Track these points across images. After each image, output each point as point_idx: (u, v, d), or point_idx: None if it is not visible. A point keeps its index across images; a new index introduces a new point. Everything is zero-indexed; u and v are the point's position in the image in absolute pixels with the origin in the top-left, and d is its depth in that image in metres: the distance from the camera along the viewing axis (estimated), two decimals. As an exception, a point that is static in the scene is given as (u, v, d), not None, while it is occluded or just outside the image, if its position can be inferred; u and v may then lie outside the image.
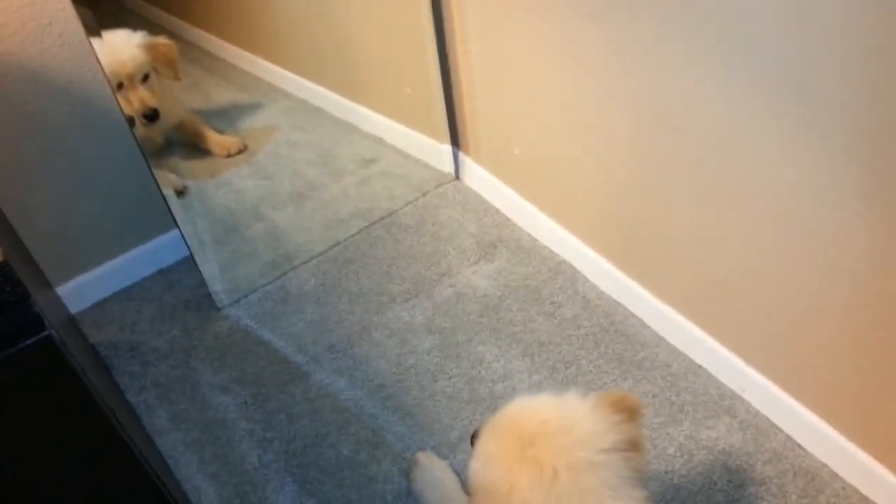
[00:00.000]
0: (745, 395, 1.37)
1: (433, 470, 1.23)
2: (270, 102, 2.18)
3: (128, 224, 1.63)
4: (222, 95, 2.22)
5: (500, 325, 1.51)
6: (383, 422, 1.37)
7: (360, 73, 1.93)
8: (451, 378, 1.43)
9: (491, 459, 0.86)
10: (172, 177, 1.81)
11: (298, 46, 2.07)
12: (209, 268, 1.63)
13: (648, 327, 1.49)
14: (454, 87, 1.69)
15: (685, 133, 1.19)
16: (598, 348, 1.46)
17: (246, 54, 2.22)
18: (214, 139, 1.98)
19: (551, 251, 1.65)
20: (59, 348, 0.52)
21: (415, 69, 1.71)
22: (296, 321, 1.56)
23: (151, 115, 1.71)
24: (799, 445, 1.29)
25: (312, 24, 1.96)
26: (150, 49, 1.73)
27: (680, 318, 1.43)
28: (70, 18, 1.32)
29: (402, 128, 1.90)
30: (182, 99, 2.01)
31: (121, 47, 1.65)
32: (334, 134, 2.05)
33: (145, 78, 1.71)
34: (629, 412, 0.88)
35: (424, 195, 1.82)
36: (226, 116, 2.15)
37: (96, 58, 1.38)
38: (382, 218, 1.77)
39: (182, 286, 1.66)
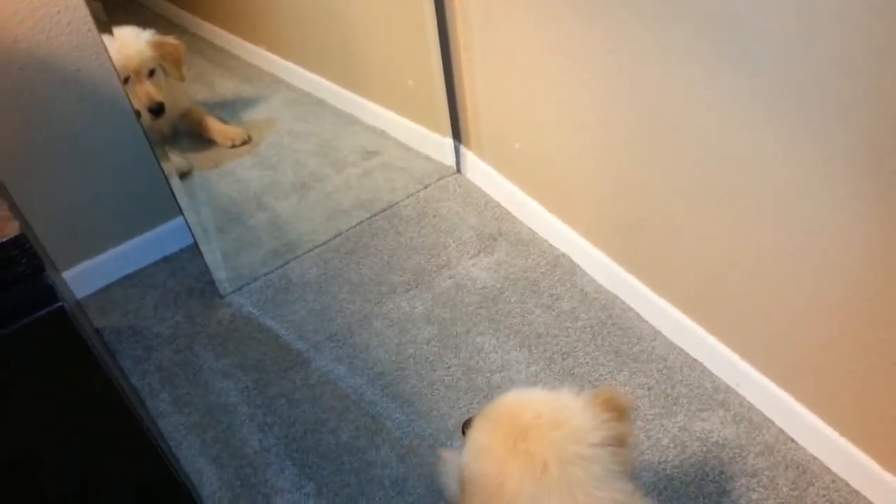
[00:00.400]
0: (740, 390, 1.39)
1: (457, 462, 1.25)
2: (273, 93, 2.19)
3: (133, 211, 1.65)
4: (226, 86, 2.24)
5: (499, 317, 1.53)
6: (382, 409, 1.40)
7: (362, 65, 1.95)
8: (449, 367, 1.45)
9: (483, 451, 0.87)
10: (177, 159, 1.83)
11: (301, 38, 2.09)
12: (212, 256, 1.65)
13: (645, 321, 1.51)
14: (456, 80, 1.71)
15: (683, 130, 1.21)
16: (595, 340, 1.48)
17: (249, 46, 2.23)
18: (219, 129, 2.00)
19: (550, 245, 1.67)
20: (71, 320, 0.54)
21: (417, 62, 1.73)
22: (297, 309, 1.58)
23: (157, 110, 1.73)
24: (791, 439, 1.31)
25: (315, 16, 1.98)
26: (158, 47, 1.76)
27: (676, 313, 1.44)
28: (78, 7, 1.34)
29: (403, 120, 1.92)
30: (186, 92, 2.03)
31: (129, 43, 1.68)
32: (336, 125, 2.07)
33: (152, 73, 1.73)
34: (619, 410, 0.90)
35: (426, 188, 1.83)
36: (230, 107, 2.16)
37: (104, 46, 1.40)
38: (384, 209, 1.79)
39: (185, 273, 1.69)
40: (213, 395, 1.44)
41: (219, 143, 2.02)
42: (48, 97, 1.42)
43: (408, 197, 1.81)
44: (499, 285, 1.59)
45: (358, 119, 2.06)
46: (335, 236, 1.74)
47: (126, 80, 1.65)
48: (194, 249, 1.64)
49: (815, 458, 1.28)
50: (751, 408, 1.36)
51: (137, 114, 1.64)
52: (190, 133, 2.04)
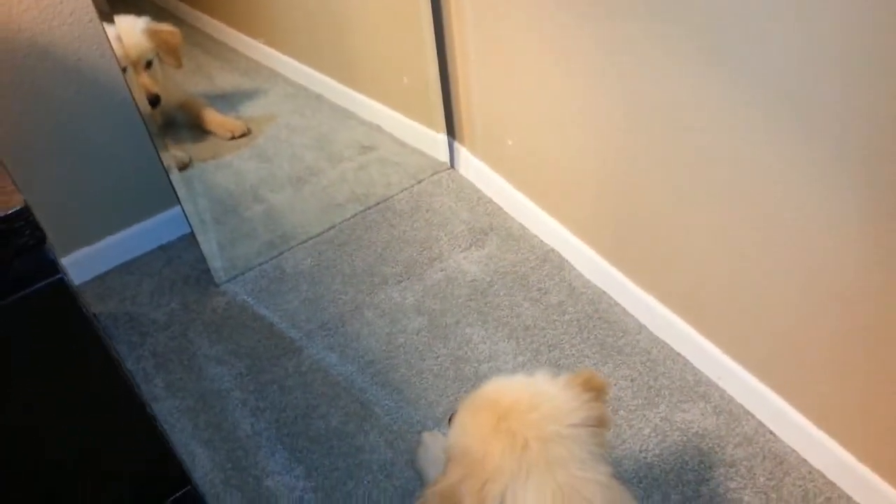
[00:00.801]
0: (721, 383, 1.42)
1: (436, 448, 1.28)
2: (271, 87, 2.22)
3: (131, 200, 1.68)
4: (226, 79, 2.26)
5: (488, 309, 1.56)
6: (372, 396, 1.43)
7: (358, 60, 1.98)
8: (438, 357, 1.48)
9: (467, 430, 0.91)
10: (177, 151, 1.86)
11: (300, 33, 2.12)
12: (209, 245, 1.68)
13: (631, 315, 1.54)
14: (451, 77, 1.75)
15: (672, 130, 1.24)
16: (582, 333, 1.51)
17: (249, 39, 2.26)
18: (218, 121, 2.02)
19: (540, 240, 1.70)
20: (72, 292, 0.58)
21: (413, 59, 1.76)
22: (291, 299, 1.61)
23: (153, 101, 1.76)
24: (769, 431, 1.35)
25: (313, 11, 2.01)
26: (154, 35, 1.78)
27: (661, 308, 1.48)
28: (80, -4, 1.37)
29: (399, 116, 1.95)
30: (182, 83, 2.05)
31: (126, 33, 1.70)
32: (333, 120, 2.10)
33: (149, 64, 1.76)
34: (596, 391, 0.93)
35: (420, 182, 1.87)
36: (228, 100, 2.19)
37: (105, 36, 1.43)
38: (378, 203, 1.82)
39: (181, 262, 1.72)
40: (207, 380, 1.47)
41: (217, 134, 2.04)
42: (49, 86, 1.45)
43: (402, 191, 1.85)
44: (489, 278, 1.63)
45: (354, 114, 2.09)
46: (329, 228, 1.77)
47: (124, 70, 1.68)
48: (191, 239, 1.67)
49: (792, 450, 1.32)
50: (731, 400, 1.39)
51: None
52: (188, 124, 2.07)
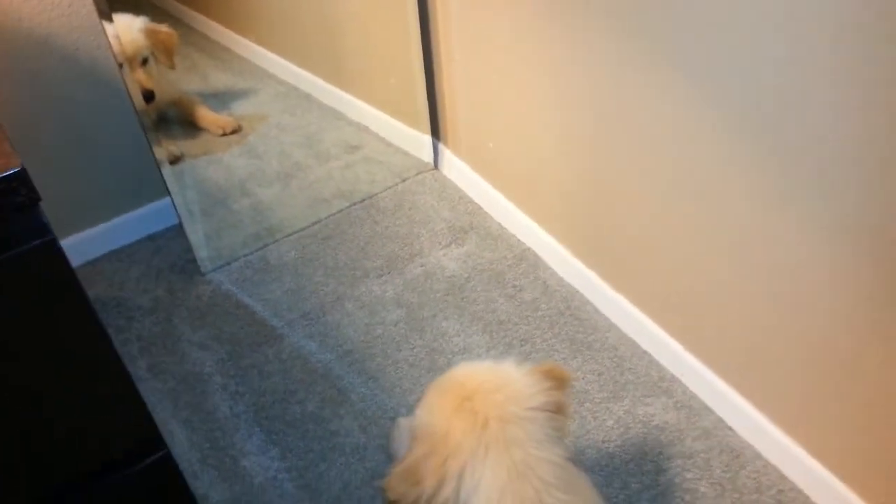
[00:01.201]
0: (683, 379, 1.48)
1: (409, 433, 1.32)
2: (263, 87, 2.28)
3: (123, 190, 1.74)
4: (219, 78, 2.32)
5: (464, 304, 1.62)
6: (348, 383, 1.48)
7: (347, 62, 2.04)
8: (413, 348, 1.54)
9: (432, 409, 0.95)
10: (170, 146, 1.92)
11: (291, 34, 2.18)
12: (196, 236, 1.73)
13: (601, 314, 1.60)
14: (436, 80, 1.81)
15: (643, 137, 1.30)
16: (553, 329, 1.57)
17: (242, 39, 2.33)
18: (210, 118, 2.08)
19: (518, 239, 1.76)
20: (62, 254, 0.63)
21: (399, 61, 1.82)
22: (274, 289, 1.67)
23: (147, 96, 1.82)
24: (728, 426, 1.41)
25: (304, 13, 2.08)
26: (151, 34, 1.84)
27: (631, 307, 1.54)
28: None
29: (385, 117, 2.01)
30: (175, 81, 2.11)
31: (124, 31, 1.76)
32: (322, 119, 2.16)
33: (144, 61, 1.82)
34: (558, 381, 0.97)
35: (404, 181, 1.93)
36: (221, 98, 2.25)
37: (103, 30, 1.49)
38: (363, 200, 1.88)
39: (169, 251, 1.77)
40: (189, 364, 1.52)
41: (210, 130, 2.10)
42: (46, 75, 1.50)
43: (386, 189, 1.91)
44: (466, 275, 1.68)
45: (343, 114, 2.15)
46: (314, 223, 1.83)
47: (121, 66, 1.74)
48: (179, 229, 1.73)
49: (749, 445, 1.37)
50: (693, 396, 1.45)
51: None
52: (181, 121, 2.12)
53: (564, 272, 1.68)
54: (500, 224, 1.80)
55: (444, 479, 0.88)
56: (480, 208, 1.84)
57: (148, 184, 1.74)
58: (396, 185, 1.92)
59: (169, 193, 1.67)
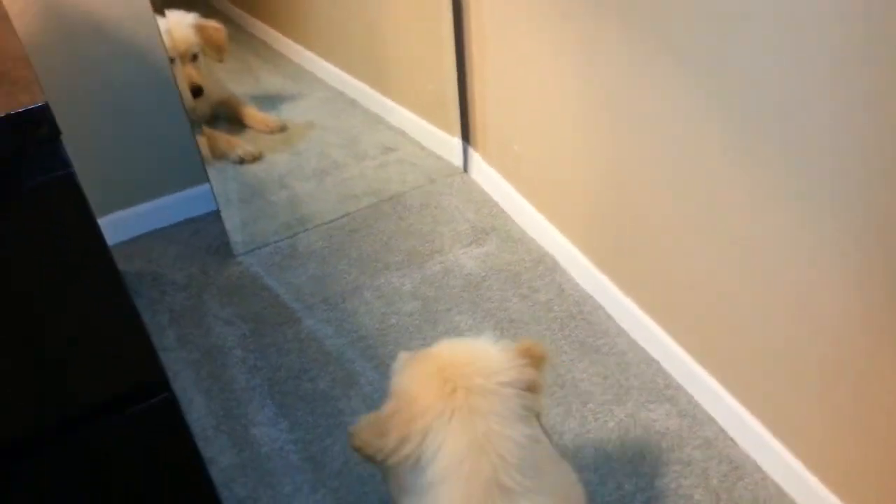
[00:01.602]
0: (689, 388, 1.48)
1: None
2: (312, 91, 2.40)
3: (167, 174, 1.85)
4: (271, 81, 2.45)
5: (479, 301, 1.67)
6: (359, 367, 1.54)
7: (390, 69, 2.13)
8: (425, 339, 1.58)
9: (408, 374, 0.99)
10: (248, 146, 2.03)
11: (339, 41, 2.29)
12: (232, 221, 1.83)
13: (613, 319, 1.62)
14: (468, 87, 1.88)
15: (665, 152, 1.32)
16: (563, 331, 1.60)
17: (294, 45, 2.45)
18: (258, 117, 2.20)
19: (538, 243, 1.80)
20: (79, 187, 0.71)
21: (436, 69, 1.90)
22: (299, 274, 1.75)
23: (196, 91, 1.94)
24: (730, 438, 1.40)
25: (352, 21, 2.18)
26: (201, 30, 1.97)
27: (643, 315, 1.55)
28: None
29: (421, 121, 2.09)
30: (225, 80, 2.24)
31: (175, 26, 1.89)
32: (363, 123, 2.25)
33: (194, 57, 1.94)
34: (534, 359, 0.99)
35: (432, 182, 1.99)
36: (272, 101, 2.37)
37: (154, 20, 1.60)
38: (391, 197, 1.95)
39: (206, 233, 1.87)
40: (214, 337, 1.61)
41: (256, 128, 2.22)
42: (100, 61, 1.62)
43: (414, 189, 1.98)
44: (483, 273, 1.73)
45: (383, 119, 2.24)
46: (343, 216, 1.91)
47: (172, 61, 1.86)
48: (218, 214, 1.83)
49: (749, 458, 1.37)
50: (697, 406, 1.46)
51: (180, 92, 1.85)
52: (230, 120, 2.25)
53: (580, 277, 1.71)
54: (521, 228, 1.84)
55: (407, 438, 0.91)
56: (504, 212, 1.89)
57: (191, 170, 1.85)
58: (425, 185, 1.99)
59: (209, 181, 1.77)
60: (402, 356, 1.14)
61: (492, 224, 1.86)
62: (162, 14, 1.68)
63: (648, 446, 1.39)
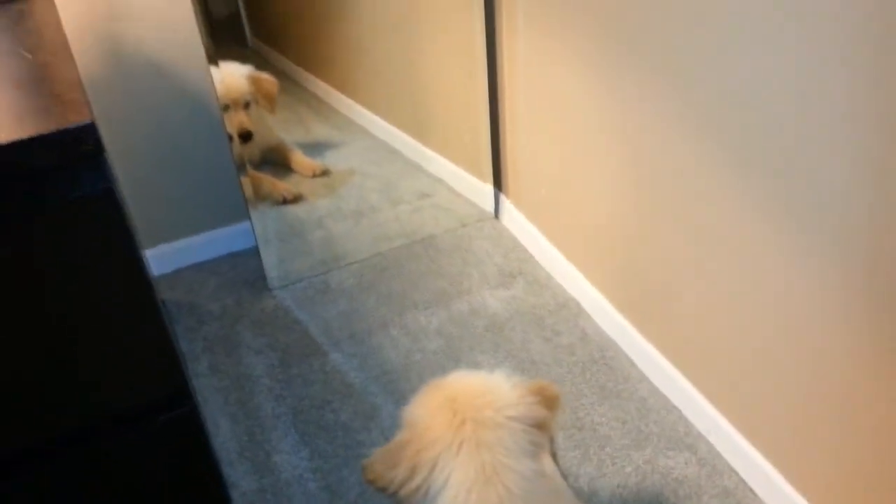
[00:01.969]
0: (710, 437, 1.47)
1: None
2: (357, 140, 2.51)
3: (212, 211, 1.96)
4: (319, 130, 2.58)
5: (501, 342, 1.69)
6: (381, 401, 1.57)
7: (430, 120, 2.23)
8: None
9: (420, 403, 1.02)
10: (290, 188, 2.15)
11: (382, 93, 2.41)
12: (269, 258, 1.91)
13: (635, 365, 1.63)
14: (501, 138, 1.95)
15: (689, 202, 1.34)
16: (584, 374, 1.61)
17: (343, 98, 2.58)
18: (303, 162, 2.30)
19: (563, 288, 1.83)
20: (120, 201, 0.78)
21: (472, 121, 1.98)
22: (329, 309, 1.81)
23: (246, 136, 2.06)
24: (750, 489, 1.38)
25: (394, 74, 2.30)
26: (255, 81, 2.10)
27: (665, 363, 1.55)
28: (192, 29, 1.68)
29: (457, 169, 2.16)
30: (274, 128, 2.37)
31: (230, 76, 2.03)
32: (402, 170, 2.34)
33: (247, 105, 2.07)
34: (546, 399, 1.01)
35: (464, 226, 2.05)
36: (318, 148, 2.49)
37: (208, 69, 1.73)
38: (423, 239, 2.01)
39: (245, 268, 1.96)
40: (243, 366, 1.67)
41: (301, 173, 2.32)
42: (156, 103, 1.75)
43: (446, 232, 2.03)
44: (508, 315, 1.76)
45: (422, 167, 2.32)
46: (375, 255, 1.97)
47: (225, 108, 1.99)
48: (256, 250, 1.92)
49: (770, 511, 1.34)
50: (717, 455, 1.44)
51: (230, 137, 1.97)
52: (276, 163, 2.37)
53: (604, 323, 1.72)
54: (548, 273, 1.88)
55: (417, 468, 0.93)
56: (532, 257, 1.93)
57: (235, 208, 1.95)
58: (457, 229, 2.04)
59: (250, 219, 1.87)
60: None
61: (519, 268, 1.90)
62: (216, 64, 1.81)
63: (665, 493, 1.38)
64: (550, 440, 1.07)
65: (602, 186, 1.59)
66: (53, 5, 1.02)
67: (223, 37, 2.13)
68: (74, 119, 0.71)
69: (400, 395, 1.58)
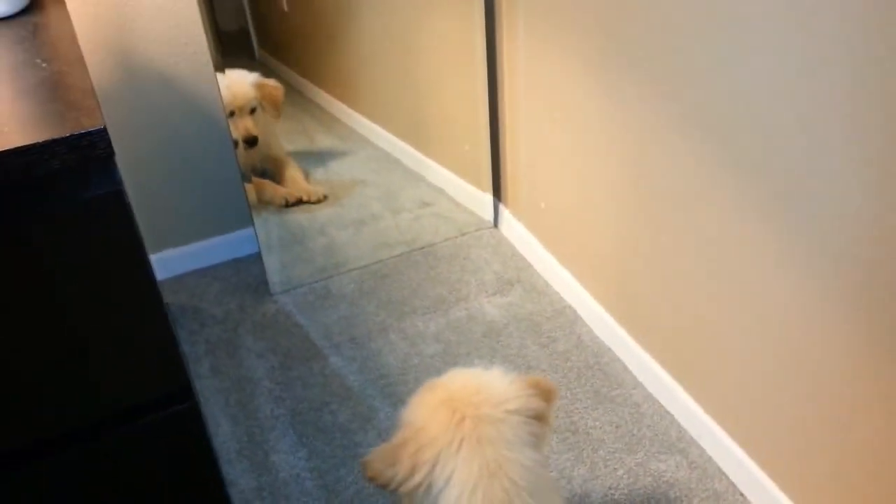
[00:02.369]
0: (702, 442, 1.49)
1: None
2: (359, 150, 2.55)
3: (217, 218, 2.00)
4: (323, 141, 2.62)
5: (498, 347, 1.72)
6: (378, 403, 1.60)
7: (431, 131, 2.27)
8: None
9: (418, 403, 1.04)
10: (290, 192, 2.17)
11: (384, 104, 2.45)
12: (272, 263, 1.95)
13: (629, 372, 1.65)
14: (501, 148, 1.99)
15: (684, 211, 1.37)
16: (580, 380, 1.64)
17: (347, 109, 2.63)
18: (301, 185, 2.29)
19: (560, 296, 1.86)
20: (128, 204, 0.82)
21: (472, 131, 2.02)
22: (329, 314, 1.84)
23: (251, 141, 2.10)
24: (741, 493, 1.40)
25: (396, 85, 2.34)
26: (260, 88, 2.14)
27: (659, 369, 1.58)
28: (201, 43, 1.73)
29: (457, 179, 2.20)
30: (278, 138, 2.40)
31: (237, 83, 2.07)
32: (404, 179, 2.38)
33: (253, 111, 2.11)
34: (542, 392, 1.03)
35: (463, 235, 2.09)
36: (321, 158, 2.53)
37: (216, 79, 1.78)
38: (423, 247, 2.05)
39: (248, 273, 2.00)
40: (244, 369, 1.70)
41: (295, 195, 2.32)
42: (163, 110, 1.80)
43: (446, 240, 2.07)
44: (505, 321, 1.79)
45: (423, 176, 2.36)
46: (376, 262, 2.01)
47: (231, 114, 2.04)
48: (259, 256, 1.95)
49: (759, 514, 1.37)
50: (709, 460, 1.46)
51: (234, 144, 2.02)
52: (273, 177, 2.39)
53: (599, 330, 1.75)
54: (545, 281, 1.91)
55: (417, 467, 0.94)
56: (530, 265, 1.96)
57: (238, 215, 1.99)
58: (456, 237, 2.08)
59: (253, 226, 1.91)
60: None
61: (517, 276, 1.93)
62: (222, 72, 1.86)
63: (656, 496, 1.40)
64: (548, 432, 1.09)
65: (601, 197, 1.62)
66: (69, 19, 1.06)
67: (232, 50, 2.18)
68: (88, 124, 0.75)
69: (397, 398, 1.61)
